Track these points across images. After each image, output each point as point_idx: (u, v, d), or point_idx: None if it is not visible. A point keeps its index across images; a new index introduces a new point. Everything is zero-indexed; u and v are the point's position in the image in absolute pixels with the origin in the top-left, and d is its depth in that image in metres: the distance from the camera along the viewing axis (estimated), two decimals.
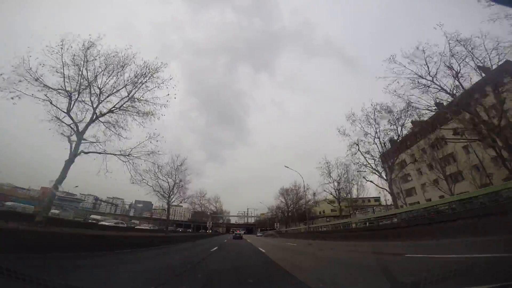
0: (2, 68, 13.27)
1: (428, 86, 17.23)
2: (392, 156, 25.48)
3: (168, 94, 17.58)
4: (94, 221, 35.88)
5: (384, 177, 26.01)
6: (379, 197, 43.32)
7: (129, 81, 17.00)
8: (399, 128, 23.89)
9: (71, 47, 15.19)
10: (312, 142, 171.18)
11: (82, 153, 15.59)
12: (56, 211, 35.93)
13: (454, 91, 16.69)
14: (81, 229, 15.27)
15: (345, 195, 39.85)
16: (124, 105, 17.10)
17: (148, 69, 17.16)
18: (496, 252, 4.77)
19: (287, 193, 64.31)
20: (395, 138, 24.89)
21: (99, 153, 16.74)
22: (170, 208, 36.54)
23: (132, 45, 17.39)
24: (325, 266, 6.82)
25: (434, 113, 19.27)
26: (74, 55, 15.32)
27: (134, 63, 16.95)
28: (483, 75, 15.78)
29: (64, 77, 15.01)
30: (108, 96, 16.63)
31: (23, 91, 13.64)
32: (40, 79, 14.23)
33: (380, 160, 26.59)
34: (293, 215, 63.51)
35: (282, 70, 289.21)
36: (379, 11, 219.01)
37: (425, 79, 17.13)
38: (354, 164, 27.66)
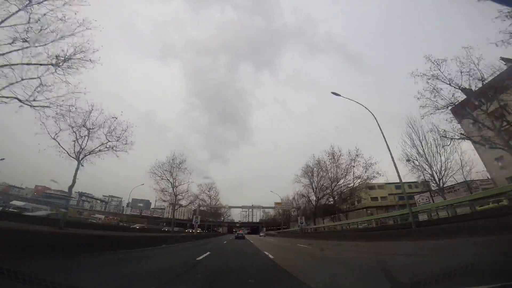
0: None
1: None
2: None
3: None
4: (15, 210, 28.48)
5: None
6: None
7: None
8: None
9: None
10: (317, 139, 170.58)
11: None
12: None
13: None
14: None
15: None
16: None
17: None
18: None
19: (319, 166, 38.19)
20: None
21: None
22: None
23: None
24: None
25: None
26: None
27: None
28: None
29: None
30: None
31: None
32: None
33: None
34: (331, 204, 39.01)
35: (284, 68, 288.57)
36: (381, 5, 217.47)
37: None
38: None
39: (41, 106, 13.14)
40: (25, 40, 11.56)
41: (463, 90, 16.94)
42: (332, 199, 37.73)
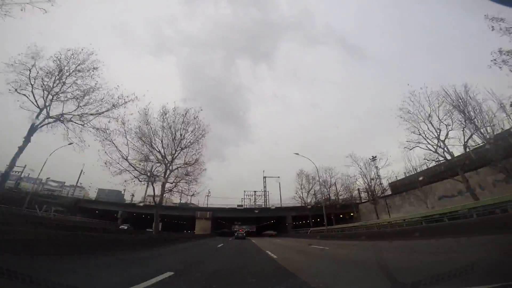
0: None
1: None
2: None
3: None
4: None
5: None
6: None
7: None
8: None
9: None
10: (320, 134, 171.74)
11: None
12: None
13: None
14: None
15: None
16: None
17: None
18: None
19: None
20: None
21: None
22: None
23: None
24: None
25: None
26: None
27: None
28: None
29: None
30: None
31: None
32: None
33: None
34: None
35: (283, 62, 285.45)
36: None
37: None
38: None
39: None
40: None
41: None
42: None
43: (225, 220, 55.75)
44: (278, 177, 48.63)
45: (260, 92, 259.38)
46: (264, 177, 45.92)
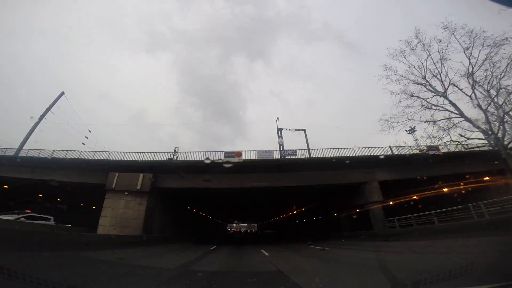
0: None
1: None
2: None
3: None
4: None
5: None
6: None
7: None
8: None
9: None
10: (320, 133, 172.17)
11: None
12: None
13: None
14: None
15: None
16: None
17: None
18: None
19: None
20: None
21: None
22: None
23: None
24: None
25: None
26: None
27: None
28: None
29: None
30: None
31: None
32: None
33: None
34: None
35: (280, 59, 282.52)
36: None
37: None
38: None
39: None
40: None
41: None
42: None
43: (197, 205, 27.14)
44: (304, 129, 24.77)
45: (256, 89, 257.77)
46: (279, 130, 24.44)
